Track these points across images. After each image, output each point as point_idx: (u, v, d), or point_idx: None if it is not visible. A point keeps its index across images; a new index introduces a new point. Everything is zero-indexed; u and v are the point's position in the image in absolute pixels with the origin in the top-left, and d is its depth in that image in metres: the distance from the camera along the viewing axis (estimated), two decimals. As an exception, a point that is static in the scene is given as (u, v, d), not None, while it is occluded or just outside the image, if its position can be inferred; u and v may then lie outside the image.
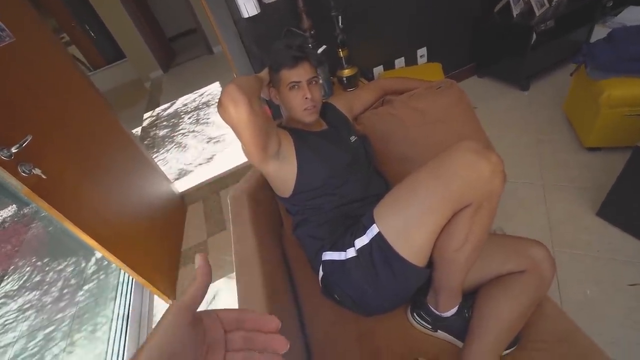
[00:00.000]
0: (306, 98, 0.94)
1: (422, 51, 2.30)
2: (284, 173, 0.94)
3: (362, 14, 1.97)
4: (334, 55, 1.77)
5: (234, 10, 1.68)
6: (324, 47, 1.73)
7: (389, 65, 2.25)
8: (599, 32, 2.17)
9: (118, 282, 1.85)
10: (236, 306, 1.47)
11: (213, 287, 1.67)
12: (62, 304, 1.89)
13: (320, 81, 1.03)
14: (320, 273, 0.92)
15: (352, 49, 1.80)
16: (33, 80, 1.27)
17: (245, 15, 1.66)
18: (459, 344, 0.86)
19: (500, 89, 2.39)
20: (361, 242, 0.81)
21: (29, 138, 1.06)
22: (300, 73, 0.94)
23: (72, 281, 2.18)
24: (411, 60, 2.30)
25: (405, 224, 0.74)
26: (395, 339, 0.90)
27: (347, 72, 1.81)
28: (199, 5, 4.53)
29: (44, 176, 1.10)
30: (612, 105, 1.50)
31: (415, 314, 0.91)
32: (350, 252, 0.83)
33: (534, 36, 2.11)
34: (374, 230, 0.78)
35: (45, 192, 1.11)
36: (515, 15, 2.16)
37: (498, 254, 0.86)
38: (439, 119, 1.11)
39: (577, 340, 0.81)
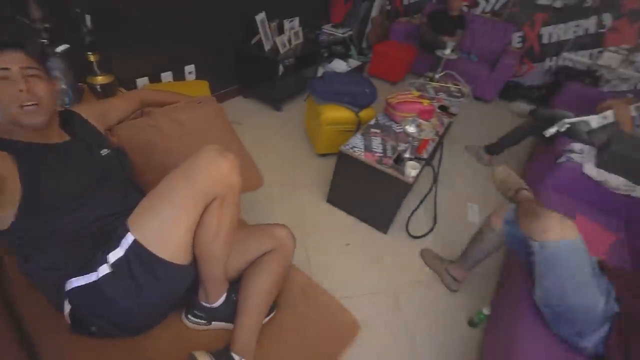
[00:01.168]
0: (21, 90, 0.77)
1: (190, 68, 2.40)
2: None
3: (124, 19, 1.84)
4: (81, 59, 1.56)
5: None
6: (66, 46, 1.49)
7: (155, 78, 2.19)
8: (320, 72, 3.02)
9: None
10: None
11: None
12: None
13: (54, 81, 0.90)
14: (67, 308, 0.79)
15: (111, 55, 1.65)
16: None
17: None
18: (232, 326, 0.95)
19: (261, 109, 2.85)
20: (115, 255, 0.76)
21: None
22: (7, 59, 0.78)
23: None
24: (179, 76, 2.35)
25: (161, 225, 0.76)
26: (168, 347, 0.90)
27: (100, 80, 1.63)
28: None
29: None
30: (328, 124, 2.15)
31: (189, 315, 0.95)
32: (103, 270, 0.76)
33: (281, 68, 2.66)
34: (128, 239, 0.76)
35: None
36: (266, 50, 2.66)
37: (252, 241, 1.04)
38: (199, 130, 1.23)
39: (310, 290, 1.13)
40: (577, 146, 1.95)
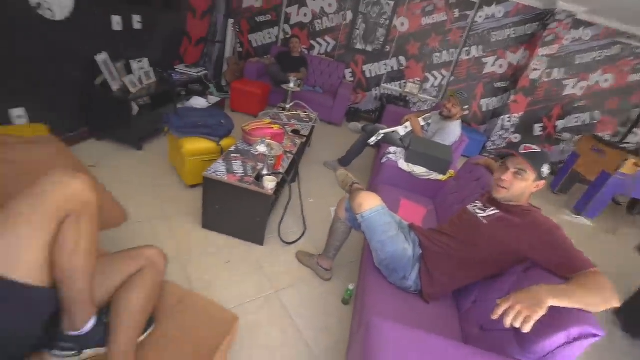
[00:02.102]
0: None
1: (19, 111, 2.13)
2: None
3: None
4: None
5: None
6: None
7: (-33, 124, 1.87)
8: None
9: None
10: None
11: None
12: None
13: None
14: None
15: None
16: None
17: None
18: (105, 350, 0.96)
19: (119, 150, 2.70)
20: None
21: None
22: None
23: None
24: (4, 120, 2.05)
25: (9, 244, 0.76)
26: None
27: None
28: None
29: None
30: (191, 155, 2.24)
31: (55, 350, 0.90)
32: None
33: (136, 107, 2.63)
34: None
35: None
36: (114, 90, 2.58)
37: (117, 265, 1.05)
38: (37, 169, 1.17)
39: (186, 297, 1.20)
40: (392, 149, 2.62)
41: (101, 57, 2.52)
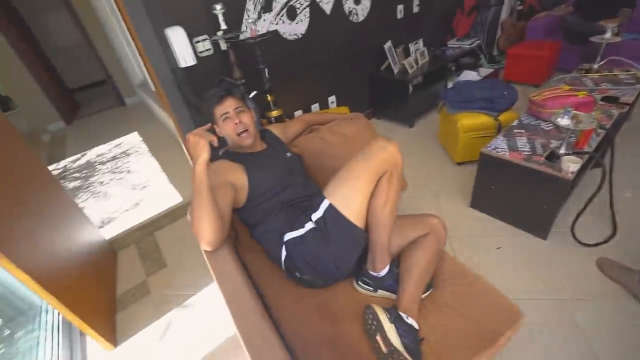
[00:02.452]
0: (236, 123, 1.21)
1: (332, 98, 2.83)
2: (238, 194, 1.17)
3: (285, 68, 2.40)
4: (263, 100, 2.10)
5: (172, 60, 1.90)
6: (255, 92, 2.05)
7: (306, 110, 2.69)
8: (450, 85, 3.03)
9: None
10: (192, 335, 1.52)
11: (165, 320, 1.65)
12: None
13: (251, 109, 1.31)
14: (283, 254, 1.12)
15: (277, 95, 2.17)
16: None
17: (183, 65, 1.89)
18: (394, 296, 1.12)
19: (394, 128, 3.04)
20: (317, 215, 1.07)
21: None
22: (227, 105, 1.22)
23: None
24: (324, 106, 2.80)
25: (347, 193, 1.04)
26: (346, 304, 1.12)
27: (274, 113, 2.15)
28: (109, 56, 4.55)
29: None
30: (465, 131, 2.15)
31: (359, 282, 1.16)
32: (309, 226, 1.08)
33: (411, 88, 2.83)
34: (325, 204, 1.06)
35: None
36: (395, 73, 2.89)
37: (408, 224, 1.20)
38: (354, 139, 1.49)
39: (465, 275, 1.17)
40: None
41: (387, 45, 2.87)
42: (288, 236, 1.12)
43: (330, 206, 1.05)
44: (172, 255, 2.05)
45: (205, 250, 1.04)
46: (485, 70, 3.41)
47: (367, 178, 1.02)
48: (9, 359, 1.60)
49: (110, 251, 2.12)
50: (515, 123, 1.91)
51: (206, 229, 0.96)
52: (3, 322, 1.74)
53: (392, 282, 1.14)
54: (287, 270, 1.15)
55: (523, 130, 1.82)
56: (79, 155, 3.71)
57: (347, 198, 1.04)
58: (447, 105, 2.23)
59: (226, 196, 1.09)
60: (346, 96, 2.92)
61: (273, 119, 2.15)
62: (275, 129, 1.48)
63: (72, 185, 3.14)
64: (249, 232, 1.28)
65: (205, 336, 1.54)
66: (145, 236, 2.25)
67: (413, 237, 1.18)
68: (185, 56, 1.87)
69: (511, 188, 1.71)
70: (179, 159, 3.08)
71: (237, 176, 1.17)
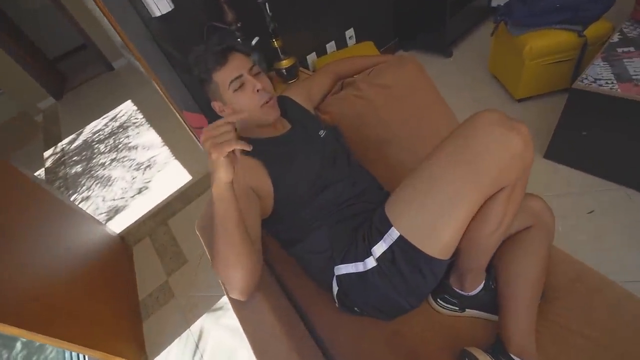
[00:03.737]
0: (258, 90, 0.79)
1: (350, 32, 2.28)
2: (262, 203, 0.79)
3: (288, 1, 1.85)
4: (268, 47, 1.63)
5: (141, 9, 1.43)
6: (257, 38, 1.58)
7: (321, 51, 2.17)
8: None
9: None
10: (229, 342, 1.26)
11: (196, 327, 1.45)
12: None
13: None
14: (335, 288, 0.80)
15: (285, 38, 1.68)
16: None
17: (157, 14, 1.42)
18: (491, 316, 0.83)
19: (426, 60, 2.49)
20: (380, 248, 0.71)
21: None
22: (236, 65, 0.79)
23: None
24: (341, 43, 2.26)
25: (429, 220, 0.66)
26: (425, 331, 0.84)
27: (285, 63, 1.68)
28: (85, 18, 3.94)
29: None
30: (534, 57, 1.63)
31: (439, 300, 0.85)
32: (370, 262, 0.73)
33: (448, 4, 2.22)
34: (392, 234, 0.69)
35: None
36: (428, -13, 2.25)
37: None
38: (404, 93, 1.06)
39: (588, 277, 0.84)
40: None
41: (414, -51, 2.20)
42: (340, 270, 0.78)
43: (401, 239, 0.68)
44: (191, 247, 1.80)
45: (232, 299, 0.73)
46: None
47: (468, 202, 0.62)
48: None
49: (124, 247, 1.90)
50: (615, 39, 1.38)
51: (238, 276, 0.63)
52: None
53: (487, 299, 0.82)
54: (340, 303, 0.83)
55: (632, 48, 1.31)
56: (74, 136, 3.38)
57: (430, 231, 0.66)
58: (510, 24, 1.68)
59: (252, 212, 0.72)
60: (367, 27, 2.34)
61: (284, 70, 1.69)
62: (296, 94, 1.04)
63: (73, 171, 2.87)
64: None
65: (245, 343, 1.33)
66: (159, 226, 2.00)
67: (512, 232, 0.83)
68: (157, 1, 1.38)
69: (615, 134, 1.27)
70: (179, 128, 2.70)
71: (260, 178, 0.78)
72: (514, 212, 0.68)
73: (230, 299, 0.74)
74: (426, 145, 1.00)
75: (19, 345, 1.67)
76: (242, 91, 0.80)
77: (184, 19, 1.54)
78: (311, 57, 2.14)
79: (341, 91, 1.13)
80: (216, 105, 0.85)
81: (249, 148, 0.55)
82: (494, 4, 2.53)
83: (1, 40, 3.68)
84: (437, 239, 0.66)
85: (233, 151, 0.56)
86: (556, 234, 0.89)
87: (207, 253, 0.90)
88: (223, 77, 0.79)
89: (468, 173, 0.60)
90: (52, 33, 4.91)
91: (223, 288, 0.73)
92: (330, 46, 2.20)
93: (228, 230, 0.60)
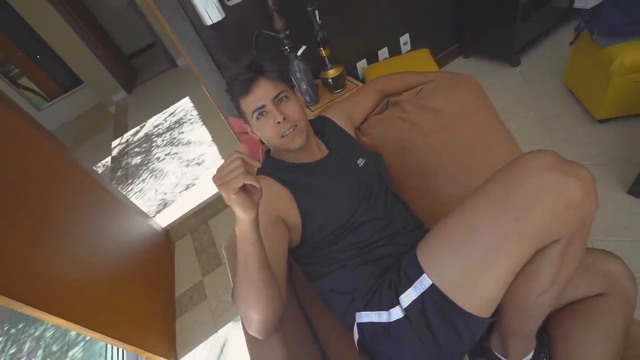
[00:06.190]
0: (278, 122, 0.74)
1: (405, 38, 2.14)
2: (290, 234, 0.75)
3: (338, 5, 1.78)
4: (314, 55, 1.58)
5: (195, 17, 1.46)
6: (304, 47, 1.53)
7: (372, 58, 2.07)
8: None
9: (107, 345, 1.62)
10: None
11: (223, 332, 1.47)
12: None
13: (297, 91, 0.84)
14: (356, 336, 0.73)
15: (332, 45, 1.61)
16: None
17: (209, 22, 1.44)
18: None
19: (488, 68, 2.26)
20: (408, 297, 0.63)
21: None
22: (259, 95, 0.74)
23: (54, 348, 1.93)
24: (394, 50, 2.13)
25: (467, 272, 0.57)
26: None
27: (332, 73, 1.62)
28: (155, 17, 4.25)
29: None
30: (625, 72, 1.38)
31: None
32: (396, 313, 0.65)
33: (520, 6, 1.98)
34: (424, 281, 0.61)
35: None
36: (497, -12, 2.03)
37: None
38: (457, 119, 0.94)
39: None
40: None
41: (485, -53, 1.98)
42: (362, 317, 0.70)
43: (434, 289, 0.59)
44: (227, 249, 1.83)
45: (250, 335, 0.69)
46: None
47: (515, 254, 0.53)
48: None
49: (167, 243, 2.00)
50: None
51: (257, 318, 0.60)
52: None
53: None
54: (361, 352, 0.76)
55: None
56: (138, 128, 3.68)
57: (467, 283, 0.57)
58: (596, 32, 1.44)
59: (278, 247, 0.69)
60: (424, 32, 2.18)
61: (330, 80, 1.63)
62: (337, 115, 0.98)
63: (134, 162, 3.11)
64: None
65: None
66: (200, 224, 2.07)
67: (574, 296, 0.69)
68: (209, 10, 1.40)
69: None
70: (226, 129, 2.78)
71: (288, 209, 0.74)
72: (570, 272, 0.57)
73: (246, 332, 0.71)
74: (479, 181, 0.87)
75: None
76: (265, 121, 0.76)
77: (234, 26, 1.55)
78: (361, 64, 2.05)
79: (385, 111, 1.03)
80: (246, 127, 0.83)
81: (258, 185, 0.51)
82: (577, 5, 2.21)
83: (87, 38, 4.11)
84: (475, 293, 0.57)
85: (245, 186, 0.52)
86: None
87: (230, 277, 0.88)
88: (247, 106, 0.77)
89: (513, 221, 0.51)
90: (128, 31, 5.39)
91: (241, 322, 0.70)
92: (383, 53, 2.09)
93: (250, 272, 0.57)
